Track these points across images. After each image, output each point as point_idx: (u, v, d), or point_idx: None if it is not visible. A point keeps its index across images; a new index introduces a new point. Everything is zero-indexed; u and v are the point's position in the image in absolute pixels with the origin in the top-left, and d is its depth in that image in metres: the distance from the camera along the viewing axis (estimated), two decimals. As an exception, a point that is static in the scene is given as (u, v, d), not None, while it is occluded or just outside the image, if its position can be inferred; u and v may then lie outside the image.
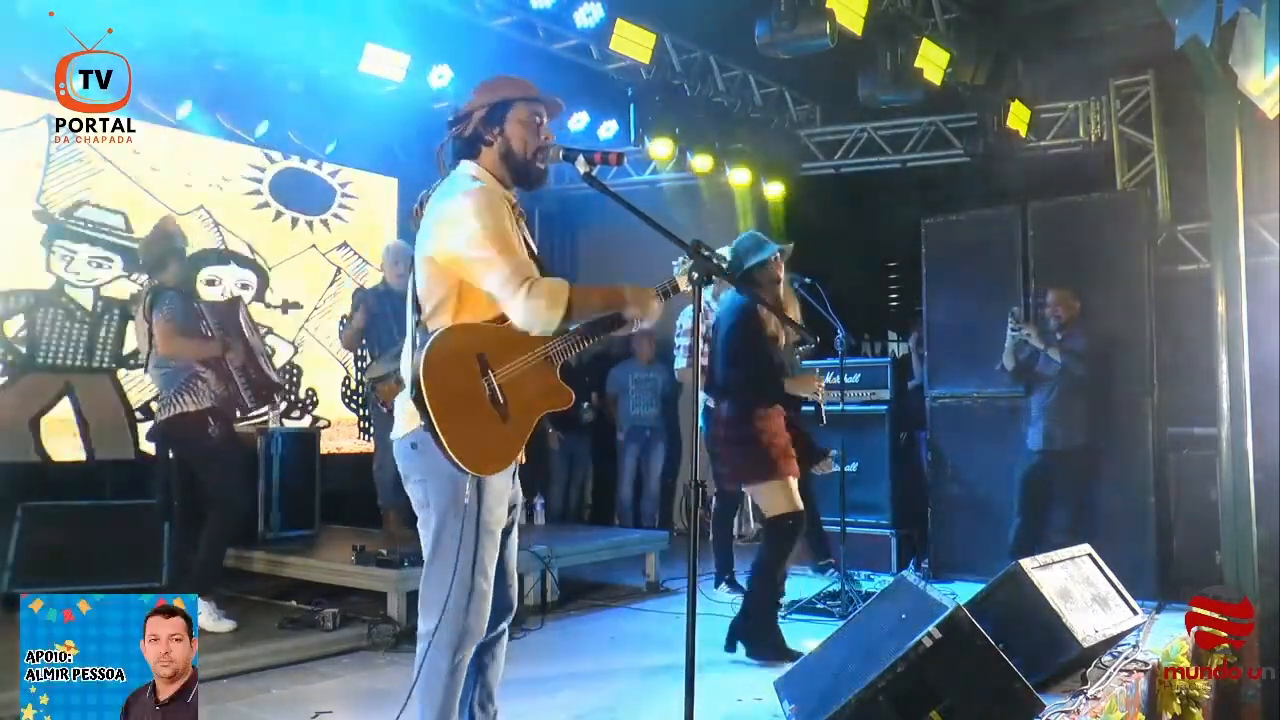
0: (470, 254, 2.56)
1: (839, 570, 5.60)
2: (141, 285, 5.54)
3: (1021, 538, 5.63)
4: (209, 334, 4.93)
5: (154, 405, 5.19)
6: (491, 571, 2.64)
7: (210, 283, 7.22)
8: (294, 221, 7.86)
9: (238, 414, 5.05)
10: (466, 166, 2.72)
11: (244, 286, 7.49)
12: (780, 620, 5.19)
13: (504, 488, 2.68)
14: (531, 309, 2.53)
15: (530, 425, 2.66)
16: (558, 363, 2.69)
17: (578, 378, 7.46)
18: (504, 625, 2.84)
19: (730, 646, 4.50)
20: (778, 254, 4.49)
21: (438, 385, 2.53)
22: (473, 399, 2.56)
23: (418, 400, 2.52)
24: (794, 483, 4.39)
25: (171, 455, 5.01)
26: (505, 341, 2.62)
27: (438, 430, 2.51)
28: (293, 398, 7.78)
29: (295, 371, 7.82)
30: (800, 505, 4.40)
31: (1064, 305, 5.76)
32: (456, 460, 2.52)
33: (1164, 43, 5.21)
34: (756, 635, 4.46)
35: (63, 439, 6.37)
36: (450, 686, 2.61)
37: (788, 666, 3.84)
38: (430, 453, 2.55)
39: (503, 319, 2.62)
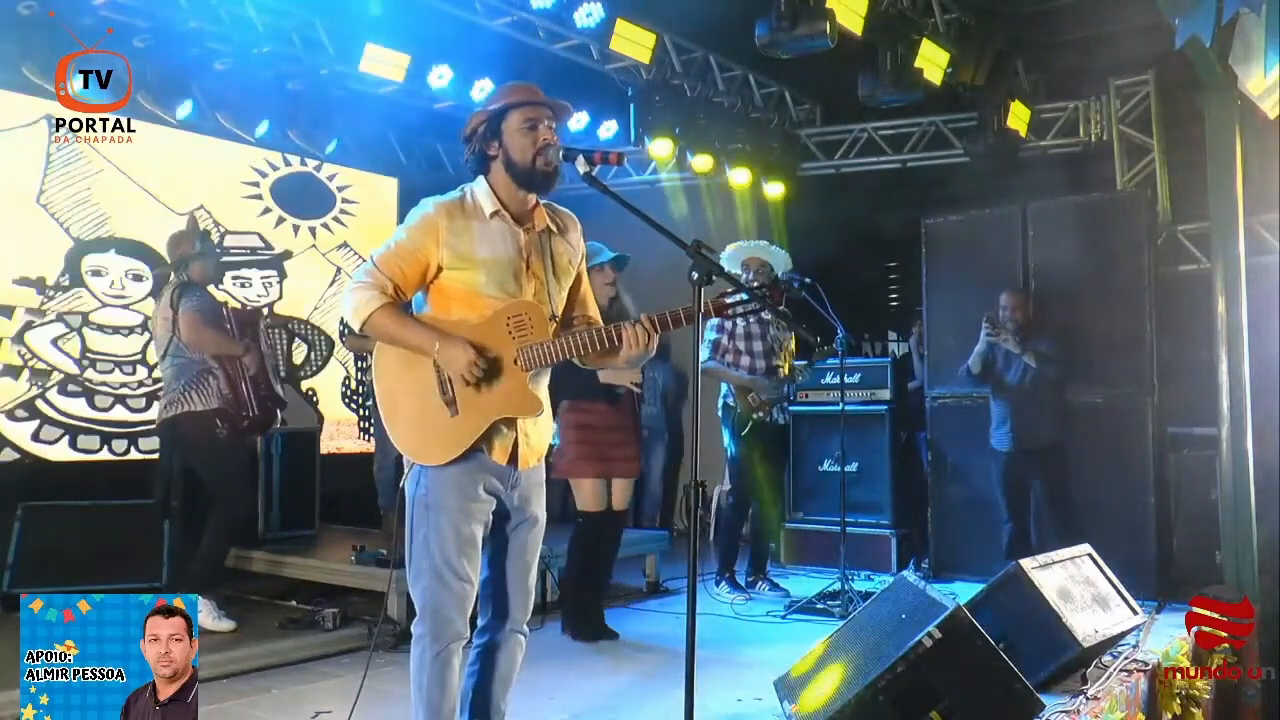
0: None
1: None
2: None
3: (1014, 541, 5.67)
4: (233, 334, 4.96)
5: (157, 402, 5.14)
6: (461, 566, 2.63)
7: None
8: (296, 229, 7.88)
9: (244, 422, 5.01)
10: (477, 182, 2.77)
11: (243, 285, 7.50)
12: (780, 620, 5.22)
13: (466, 481, 2.64)
14: (346, 299, 2.68)
15: (483, 424, 2.64)
16: (529, 370, 2.67)
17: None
18: (512, 629, 2.81)
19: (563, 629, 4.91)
20: (609, 263, 4.64)
21: (386, 371, 2.70)
22: (420, 387, 2.65)
23: (374, 383, 2.71)
24: (601, 483, 4.76)
25: (175, 453, 4.99)
26: (475, 338, 2.63)
27: (382, 414, 2.70)
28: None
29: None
30: (603, 505, 4.76)
31: (1020, 308, 5.76)
32: (396, 445, 2.68)
33: (1164, 43, 5.21)
34: (569, 615, 4.91)
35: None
36: (435, 678, 2.61)
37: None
38: None
39: (479, 316, 2.66)
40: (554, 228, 2.82)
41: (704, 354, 5.98)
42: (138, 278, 6.82)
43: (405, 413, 2.67)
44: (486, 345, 2.64)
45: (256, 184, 7.65)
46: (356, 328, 2.68)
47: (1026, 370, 5.65)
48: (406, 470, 2.69)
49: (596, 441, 4.74)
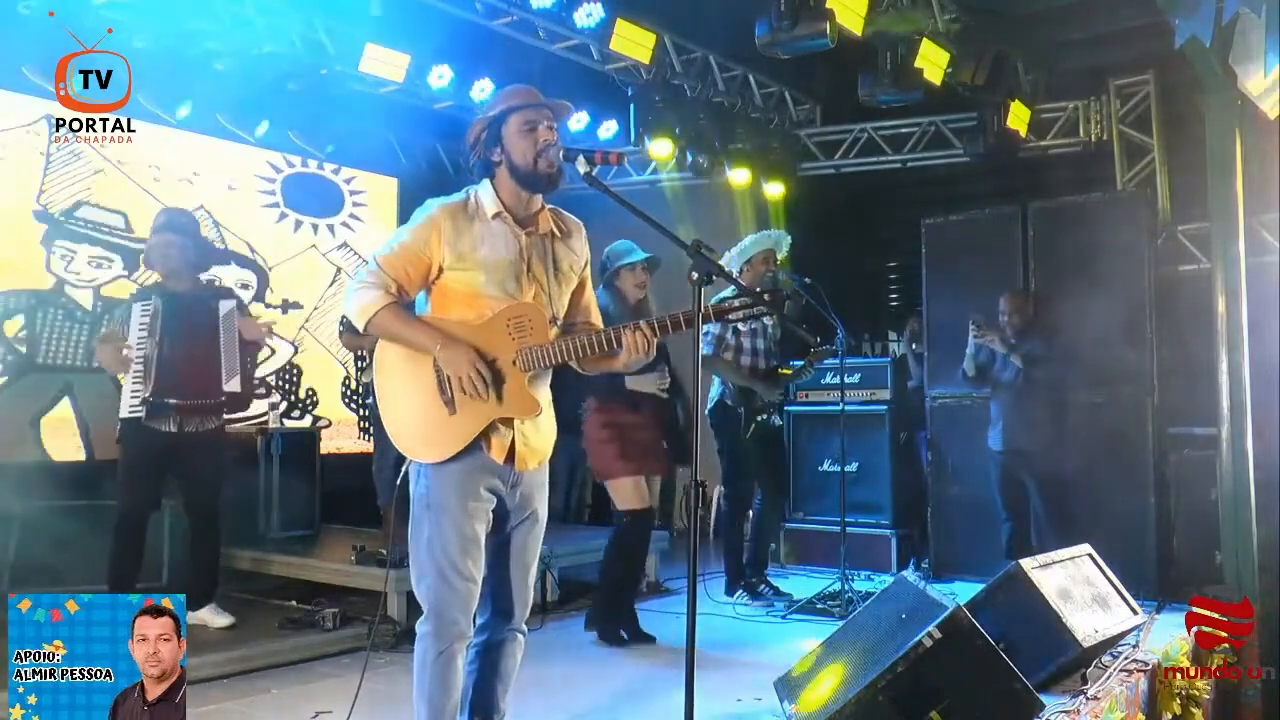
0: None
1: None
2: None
3: (1014, 539, 5.66)
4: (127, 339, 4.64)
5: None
6: (465, 565, 2.63)
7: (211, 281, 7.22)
8: (299, 225, 7.88)
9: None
10: (481, 184, 2.78)
11: (244, 286, 7.50)
12: (780, 620, 5.21)
13: (467, 479, 2.65)
14: (349, 298, 2.69)
15: (480, 424, 2.65)
16: (529, 370, 2.68)
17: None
18: (511, 627, 2.82)
19: (588, 626, 4.86)
20: (641, 263, 4.61)
21: (387, 367, 2.72)
22: (419, 385, 2.66)
23: (374, 378, 2.74)
24: (644, 480, 4.73)
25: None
26: (475, 339, 2.64)
27: (380, 409, 2.72)
28: (293, 398, 7.80)
29: (295, 371, 7.84)
30: (649, 503, 4.74)
31: (1018, 311, 5.78)
32: (393, 440, 2.69)
33: (1164, 43, 5.21)
34: (604, 617, 4.79)
35: (63, 439, 6.38)
36: (438, 678, 2.62)
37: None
38: None
39: (479, 317, 2.67)
40: (557, 232, 2.83)
41: (707, 349, 5.88)
42: (137, 278, 6.82)
43: (404, 409, 2.69)
44: (487, 346, 2.65)
45: (269, 189, 7.66)
46: (361, 327, 2.69)
47: (1018, 371, 5.66)
48: (408, 468, 2.71)
49: (630, 439, 4.71)
